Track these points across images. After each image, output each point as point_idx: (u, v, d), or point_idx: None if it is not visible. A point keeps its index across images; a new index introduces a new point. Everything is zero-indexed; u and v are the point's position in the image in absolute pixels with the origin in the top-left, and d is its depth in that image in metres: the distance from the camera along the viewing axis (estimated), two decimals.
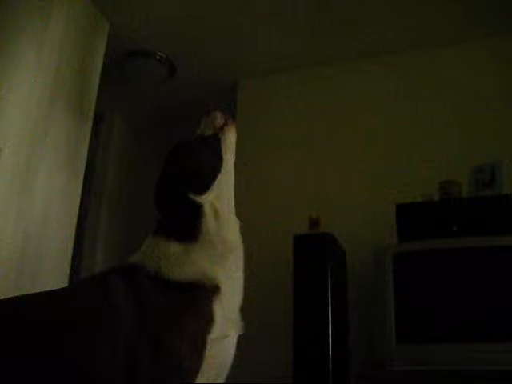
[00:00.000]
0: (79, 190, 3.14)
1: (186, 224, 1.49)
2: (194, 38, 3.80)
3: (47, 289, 2.22)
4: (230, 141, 1.68)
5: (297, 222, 3.26)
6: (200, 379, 1.32)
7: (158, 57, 3.99)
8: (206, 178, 1.54)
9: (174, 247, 1.46)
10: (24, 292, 1.81)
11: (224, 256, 1.47)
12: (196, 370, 1.31)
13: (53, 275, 2.86)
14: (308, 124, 3.95)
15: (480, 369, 2.45)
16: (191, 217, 1.49)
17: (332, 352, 2.73)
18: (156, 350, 1.28)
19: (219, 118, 1.72)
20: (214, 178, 1.55)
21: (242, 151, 4.00)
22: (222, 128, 1.69)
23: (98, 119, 3.97)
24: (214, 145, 1.63)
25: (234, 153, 1.69)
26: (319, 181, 3.70)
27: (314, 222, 3.13)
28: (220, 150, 1.63)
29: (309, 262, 2.92)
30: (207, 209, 1.50)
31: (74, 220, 3.09)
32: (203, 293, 1.39)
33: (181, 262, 1.43)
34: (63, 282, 2.91)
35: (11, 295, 1.45)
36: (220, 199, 1.54)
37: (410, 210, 3.04)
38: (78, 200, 3.13)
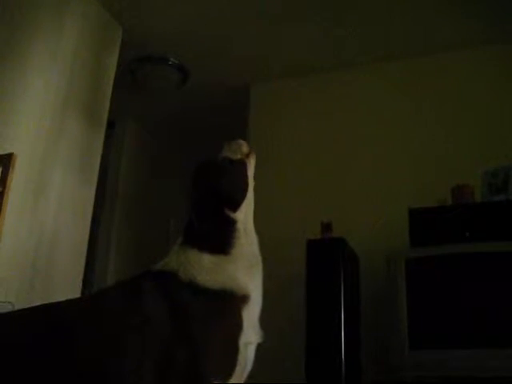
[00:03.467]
0: (92, 196, 3.16)
1: (221, 237, 1.58)
2: (206, 42, 3.82)
3: (61, 292, 2.25)
4: (253, 166, 1.80)
5: (309, 226, 3.26)
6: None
7: (170, 62, 4.01)
8: (239, 197, 1.66)
9: (208, 258, 1.53)
10: (37, 300, 1.83)
11: (253, 268, 1.57)
12: (229, 375, 1.38)
13: (66, 279, 2.88)
14: (320, 128, 3.95)
15: (493, 375, 2.43)
16: (226, 231, 1.59)
17: (345, 358, 2.72)
18: (192, 354, 1.34)
19: (245, 146, 1.84)
20: (244, 197, 1.67)
21: (256, 156, 4.04)
22: (247, 155, 1.81)
23: (110, 125, 3.98)
24: (241, 168, 1.75)
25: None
26: (332, 186, 3.70)
27: (326, 227, 3.12)
28: (246, 173, 1.74)
29: (322, 266, 2.92)
30: (240, 225, 1.61)
31: (88, 225, 3.10)
32: (234, 301, 1.47)
33: (214, 272, 1.50)
34: (77, 286, 2.93)
35: (25, 298, 1.48)
36: (247, 217, 1.66)
37: (423, 214, 3.02)
38: (91, 206, 3.14)
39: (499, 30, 3.54)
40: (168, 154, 5.16)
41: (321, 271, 2.89)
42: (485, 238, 2.77)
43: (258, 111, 4.20)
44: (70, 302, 1.59)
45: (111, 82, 3.40)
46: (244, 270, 1.53)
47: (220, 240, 1.57)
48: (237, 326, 1.43)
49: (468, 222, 2.92)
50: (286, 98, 4.17)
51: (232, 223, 1.59)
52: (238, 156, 1.79)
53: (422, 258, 2.82)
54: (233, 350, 1.40)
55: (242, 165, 1.76)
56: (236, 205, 1.63)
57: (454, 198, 3.07)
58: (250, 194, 1.72)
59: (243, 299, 1.48)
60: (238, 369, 1.42)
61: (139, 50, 3.88)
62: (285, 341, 3.06)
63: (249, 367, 1.48)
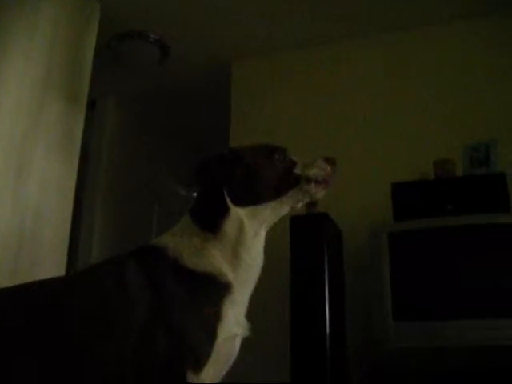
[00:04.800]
0: (74, 176, 3.13)
1: (211, 215, 1.53)
2: (187, 18, 3.77)
3: (45, 271, 2.23)
4: (302, 197, 1.62)
5: None
6: (207, 371, 1.36)
7: (150, 39, 3.96)
8: (248, 198, 1.55)
9: (197, 234, 1.50)
10: (22, 278, 1.82)
11: (237, 264, 1.49)
12: (207, 356, 1.35)
13: (51, 258, 2.86)
14: (302, 104, 3.94)
15: (475, 345, 2.48)
16: (217, 212, 1.53)
17: (330, 331, 2.75)
18: (170, 332, 1.34)
19: (328, 174, 1.65)
20: (256, 203, 1.55)
21: (237, 133, 4.03)
22: (312, 181, 1.62)
23: (91, 103, 3.95)
24: (287, 183, 1.59)
25: (294, 207, 1.64)
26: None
27: (311, 203, 3.13)
28: (286, 190, 1.59)
29: (305, 242, 2.93)
30: (233, 215, 1.52)
31: (70, 206, 3.08)
32: (215, 286, 1.44)
33: (200, 253, 1.47)
34: (61, 268, 2.92)
35: (10, 278, 1.47)
36: (251, 222, 1.53)
37: (406, 189, 3.05)
38: (73, 186, 3.12)
39: (480, 3, 3.54)
40: (150, 130, 5.12)
41: (304, 246, 2.91)
42: (467, 211, 2.80)
43: (240, 87, 4.17)
44: (55, 280, 1.60)
45: (91, 60, 3.35)
46: (229, 259, 1.48)
47: (210, 216, 1.53)
48: (215, 315, 1.39)
49: (450, 195, 2.95)
50: (268, 74, 4.14)
51: (225, 208, 1.52)
52: (309, 172, 1.61)
53: (405, 232, 2.85)
54: (211, 333, 1.37)
55: (286, 176, 1.60)
56: (241, 200, 1.53)
57: (436, 172, 3.10)
58: (275, 208, 1.57)
59: (225, 287, 1.44)
60: (221, 358, 1.40)
61: (119, 26, 3.82)
62: (269, 315, 3.08)
63: (232, 360, 1.47)
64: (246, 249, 1.51)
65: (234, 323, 1.44)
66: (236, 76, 4.22)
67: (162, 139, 5.22)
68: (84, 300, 1.42)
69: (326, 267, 2.84)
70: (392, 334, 2.65)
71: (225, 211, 1.52)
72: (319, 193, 1.64)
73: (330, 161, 1.70)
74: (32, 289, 1.49)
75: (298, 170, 1.63)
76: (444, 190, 2.99)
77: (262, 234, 1.58)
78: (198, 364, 1.34)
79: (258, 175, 1.58)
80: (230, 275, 1.47)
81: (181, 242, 1.49)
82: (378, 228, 2.90)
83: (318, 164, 1.66)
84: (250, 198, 1.55)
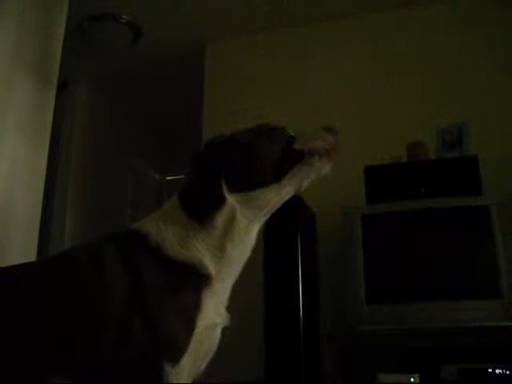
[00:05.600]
0: (45, 157, 3.08)
1: (202, 204, 1.48)
2: None
3: (15, 259, 2.19)
4: (308, 173, 1.55)
5: None
6: (186, 362, 1.34)
7: (122, 20, 3.91)
8: (248, 181, 1.49)
9: (184, 220, 1.45)
10: None
11: (221, 259, 1.45)
12: (185, 347, 1.33)
13: (20, 247, 2.82)
14: (275, 86, 3.93)
15: (447, 326, 2.51)
16: (209, 202, 1.47)
17: (303, 314, 2.75)
18: (147, 323, 1.31)
19: (330, 144, 1.56)
20: (256, 186, 1.48)
21: (210, 114, 4.00)
22: (317, 155, 1.53)
23: (61, 86, 3.89)
24: (288, 160, 1.51)
25: (300, 187, 1.57)
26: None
27: None
28: (289, 168, 1.51)
29: (278, 224, 2.91)
30: (227, 207, 1.46)
31: (41, 187, 3.03)
32: (195, 277, 1.41)
33: (183, 242, 1.43)
34: (32, 250, 2.89)
35: None
36: (246, 213, 1.48)
37: (378, 171, 3.06)
38: (44, 167, 3.07)
39: None
40: (122, 113, 5.08)
41: (277, 229, 2.90)
42: (439, 194, 2.82)
43: (213, 70, 4.14)
44: (28, 266, 1.56)
45: (61, 41, 3.28)
46: (213, 253, 1.44)
47: (200, 205, 1.48)
48: (195, 306, 1.37)
49: (423, 178, 2.96)
50: (243, 55, 4.11)
51: (220, 198, 1.47)
52: (312, 145, 1.52)
53: (378, 215, 2.86)
54: (189, 324, 1.34)
55: (287, 153, 1.51)
56: (237, 187, 1.47)
57: (409, 155, 3.11)
58: (269, 194, 1.49)
59: (206, 280, 1.41)
60: (201, 350, 1.39)
61: (90, 7, 3.76)
62: (242, 300, 3.07)
63: (213, 350, 1.45)
64: (233, 244, 1.46)
65: (214, 313, 1.41)
66: (209, 58, 4.19)
67: (135, 121, 5.17)
68: (59, 288, 1.38)
69: (299, 250, 2.84)
70: (366, 317, 2.67)
71: (219, 202, 1.46)
72: (325, 167, 1.56)
73: (331, 131, 1.61)
74: (1, 275, 1.46)
75: (298, 145, 1.53)
76: (417, 172, 3.01)
77: (255, 228, 1.53)
78: (176, 354, 1.32)
79: (257, 156, 1.49)
80: (211, 268, 1.43)
81: (164, 230, 1.44)
82: (351, 211, 2.90)
83: (319, 135, 1.57)
84: (251, 181, 1.48)
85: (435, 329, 2.55)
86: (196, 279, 1.41)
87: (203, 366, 1.44)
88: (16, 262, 2.65)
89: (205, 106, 4.05)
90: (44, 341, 1.32)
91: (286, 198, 1.55)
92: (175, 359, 1.31)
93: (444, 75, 3.55)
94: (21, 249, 2.81)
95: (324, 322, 3.10)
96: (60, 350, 1.31)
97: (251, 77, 4.02)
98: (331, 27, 3.92)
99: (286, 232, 2.87)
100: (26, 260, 2.77)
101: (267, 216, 1.56)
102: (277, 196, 1.51)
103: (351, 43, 3.85)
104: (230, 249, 1.45)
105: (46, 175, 3.09)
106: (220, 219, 1.45)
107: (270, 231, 2.89)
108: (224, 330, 1.47)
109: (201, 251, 1.43)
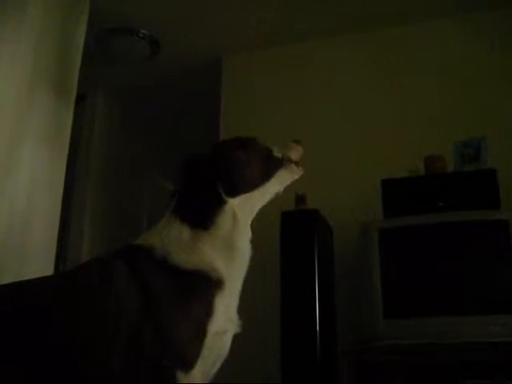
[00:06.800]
0: (63, 171, 3.11)
1: (203, 210, 1.55)
2: (177, 13, 3.75)
3: (34, 271, 2.21)
4: (289, 176, 1.76)
5: (284, 198, 3.25)
6: (198, 369, 1.36)
7: (141, 34, 3.94)
8: (242, 186, 1.62)
9: (186, 232, 1.51)
10: (10, 269, 1.80)
11: (230, 257, 1.52)
12: (196, 356, 1.36)
13: (39, 257, 2.84)
14: (293, 100, 3.93)
15: (465, 341, 2.48)
16: (211, 206, 1.56)
17: (320, 329, 2.74)
18: (159, 334, 1.34)
19: (300, 154, 1.80)
20: (249, 189, 1.64)
21: (227, 127, 4.02)
22: (292, 162, 1.76)
23: (80, 98, 3.92)
24: (272, 165, 1.71)
25: (281, 187, 1.76)
26: (306, 157, 3.68)
27: (301, 199, 3.12)
28: (273, 171, 1.70)
29: (296, 238, 2.92)
30: (228, 208, 1.56)
31: (59, 201, 3.06)
32: (206, 283, 1.44)
33: (190, 250, 1.48)
34: (50, 260, 2.91)
35: None
36: (243, 211, 1.60)
37: (396, 185, 3.04)
38: (62, 180, 3.10)
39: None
40: (140, 125, 5.10)
41: (295, 243, 2.90)
42: (457, 208, 2.80)
43: (231, 83, 4.16)
44: (43, 280, 1.58)
45: (80, 54, 3.33)
46: (221, 253, 1.50)
47: (202, 213, 1.54)
48: (206, 313, 1.40)
49: (441, 191, 2.95)
50: (259, 69, 4.13)
51: (220, 202, 1.56)
52: (280, 155, 1.74)
53: (396, 229, 2.84)
54: (200, 333, 1.37)
55: (276, 163, 1.72)
56: (235, 190, 1.59)
57: (426, 168, 3.09)
58: (263, 194, 1.68)
59: (217, 284, 1.45)
60: (212, 356, 1.41)
61: (109, 21, 3.80)
62: (259, 312, 3.07)
63: (223, 356, 1.47)
64: (239, 238, 1.55)
65: (224, 319, 1.43)
66: (227, 71, 4.20)
67: (152, 134, 5.20)
68: (73, 300, 1.41)
69: (317, 264, 2.83)
70: (383, 332, 2.64)
71: (219, 205, 1.55)
72: (300, 172, 1.79)
73: (298, 142, 1.85)
74: (19, 288, 1.48)
75: (277, 154, 1.75)
76: (434, 186, 2.99)
77: (249, 222, 1.65)
78: (188, 364, 1.34)
79: (247, 164, 1.65)
80: (222, 269, 1.47)
81: (168, 242, 1.48)
82: (368, 225, 2.89)
83: (293, 146, 1.81)
84: (243, 185, 1.61)
85: (452, 344, 2.52)
86: (206, 285, 1.43)
87: (212, 373, 1.46)
88: (35, 267, 2.70)
89: (222, 117, 4.06)
90: (57, 353, 1.34)
91: (270, 198, 1.73)
92: (188, 368, 1.34)
93: (462, 88, 3.54)
94: (40, 254, 2.84)
95: (340, 336, 3.08)
96: (73, 362, 1.34)
97: (268, 89, 4.02)
98: (347, 40, 3.91)
99: (303, 246, 2.87)
100: (44, 265, 2.82)
101: (254, 215, 1.69)
102: (263, 197, 1.69)
103: (369, 57, 3.84)
104: (238, 243, 1.54)
105: (65, 183, 3.12)
106: (223, 220, 1.54)
107: (287, 245, 2.90)
108: (235, 336, 1.49)
109: (209, 253, 1.48)
